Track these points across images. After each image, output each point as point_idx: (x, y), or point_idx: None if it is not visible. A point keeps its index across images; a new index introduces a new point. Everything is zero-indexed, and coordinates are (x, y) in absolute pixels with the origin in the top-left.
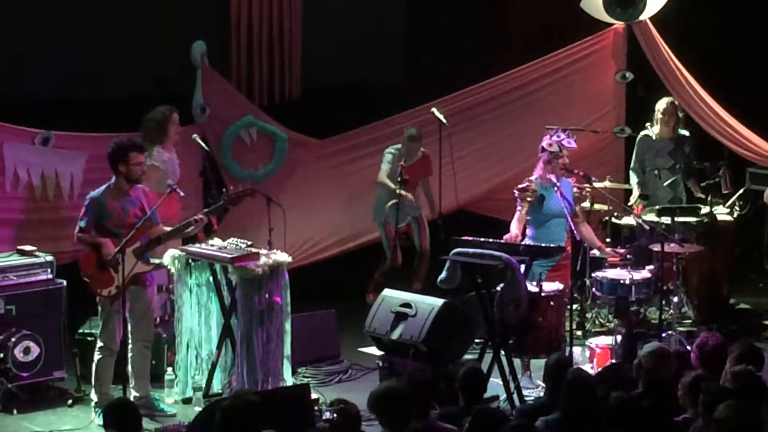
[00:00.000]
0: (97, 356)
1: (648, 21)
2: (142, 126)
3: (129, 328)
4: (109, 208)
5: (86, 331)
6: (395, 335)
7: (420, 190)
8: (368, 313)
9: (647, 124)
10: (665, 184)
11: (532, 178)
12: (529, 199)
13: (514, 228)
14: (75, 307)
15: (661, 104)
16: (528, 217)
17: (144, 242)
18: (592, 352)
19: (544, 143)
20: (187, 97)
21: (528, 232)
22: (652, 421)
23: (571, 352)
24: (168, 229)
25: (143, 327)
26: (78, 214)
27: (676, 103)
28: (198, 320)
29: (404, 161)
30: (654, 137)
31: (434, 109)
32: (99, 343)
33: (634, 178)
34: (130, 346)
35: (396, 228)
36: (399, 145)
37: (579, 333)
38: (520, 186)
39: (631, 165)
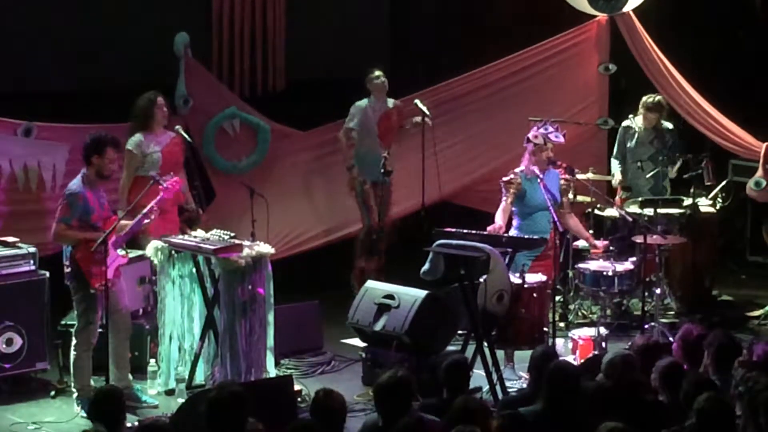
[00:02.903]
0: (74, 352)
1: (631, 13)
2: (131, 114)
3: (109, 321)
4: (91, 201)
5: (69, 322)
6: (378, 327)
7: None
8: (351, 305)
9: (630, 116)
10: (648, 175)
11: (518, 170)
12: (513, 190)
13: (499, 219)
14: (58, 298)
15: (650, 99)
16: (514, 209)
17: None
18: (574, 344)
19: (530, 134)
20: (170, 89)
21: (514, 222)
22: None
23: (553, 344)
24: (128, 222)
25: (120, 318)
26: None
27: (660, 102)
28: (181, 312)
29: (378, 109)
30: (636, 128)
31: (417, 101)
32: (75, 339)
33: (616, 166)
34: (109, 338)
35: (374, 186)
36: (363, 101)
37: (562, 324)
38: (505, 178)
39: (613, 154)
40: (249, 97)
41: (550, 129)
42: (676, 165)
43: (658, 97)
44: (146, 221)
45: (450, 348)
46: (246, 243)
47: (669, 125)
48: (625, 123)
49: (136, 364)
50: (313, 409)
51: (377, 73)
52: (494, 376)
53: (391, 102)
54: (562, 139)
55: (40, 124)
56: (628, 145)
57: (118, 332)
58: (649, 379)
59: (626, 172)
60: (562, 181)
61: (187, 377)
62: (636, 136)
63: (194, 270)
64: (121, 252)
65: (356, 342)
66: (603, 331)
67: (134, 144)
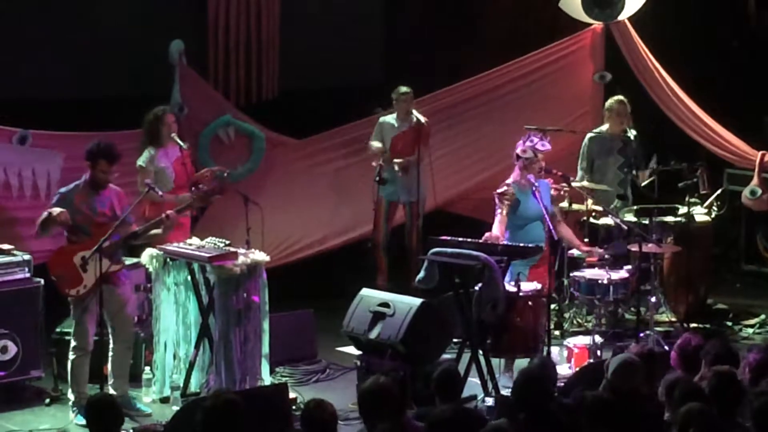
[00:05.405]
0: (71, 356)
1: (626, 21)
2: (142, 127)
3: (109, 328)
4: (76, 204)
5: (63, 330)
6: (373, 335)
7: (426, 167)
8: (346, 313)
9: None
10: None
11: (509, 181)
12: (507, 202)
13: (496, 230)
14: (52, 306)
15: (612, 102)
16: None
17: (115, 240)
18: (570, 352)
19: (518, 150)
20: (165, 97)
21: (505, 234)
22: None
23: (548, 352)
24: (137, 228)
25: (120, 326)
26: None
27: (626, 101)
28: (176, 319)
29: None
30: (603, 136)
31: (413, 109)
32: (72, 343)
33: (584, 180)
34: (111, 346)
35: (375, 203)
36: (388, 117)
37: (557, 333)
38: (498, 190)
39: (582, 165)
40: (244, 105)
41: (536, 140)
42: (648, 171)
43: (620, 96)
44: (161, 228)
45: (445, 356)
46: (241, 251)
47: (633, 132)
48: (590, 134)
49: (131, 371)
50: (304, 419)
51: (402, 89)
52: (489, 385)
53: (420, 118)
54: (548, 146)
55: (36, 132)
56: (598, 153)
57: (119, 340)
58: (646, 387)
59: (597, 180)
60: (553, 191)
61: (181, 385)
62: (605, 143)
63: (189, 278)
64: (132, 260)
65: (351, 350)
66: (598, 339)
67: (146, 160)
